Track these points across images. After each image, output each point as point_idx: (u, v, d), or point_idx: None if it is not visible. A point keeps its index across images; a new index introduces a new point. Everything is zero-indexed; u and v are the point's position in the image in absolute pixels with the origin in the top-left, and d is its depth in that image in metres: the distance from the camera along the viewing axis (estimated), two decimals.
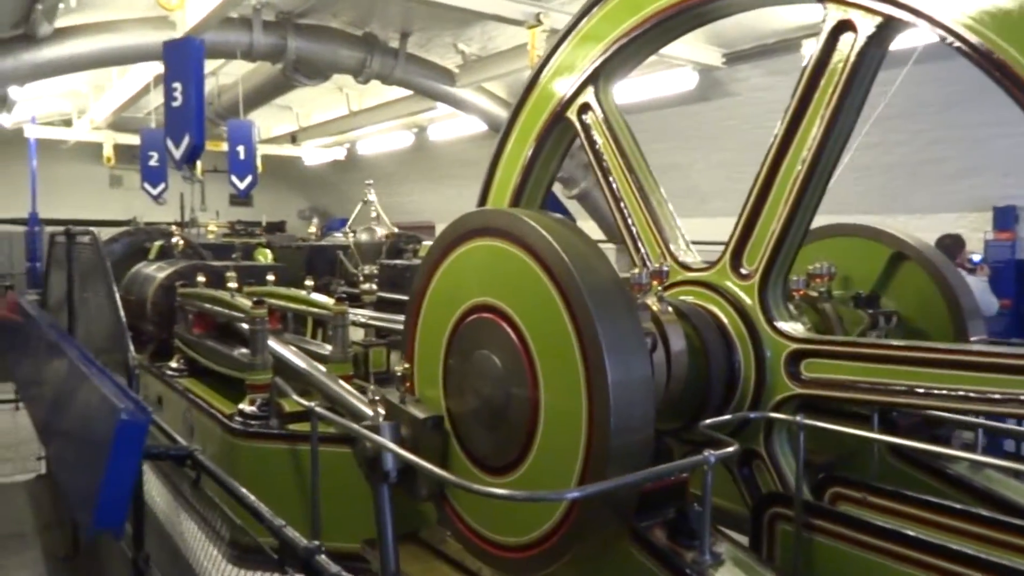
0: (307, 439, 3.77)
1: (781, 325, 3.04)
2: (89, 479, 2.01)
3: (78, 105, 14.77)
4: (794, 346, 2.97)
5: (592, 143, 3.55)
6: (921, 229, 4.25)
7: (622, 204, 3.50)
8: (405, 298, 7.92)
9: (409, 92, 11.60)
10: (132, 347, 2.93)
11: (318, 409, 3.13)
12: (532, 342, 2.52)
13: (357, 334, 6.16)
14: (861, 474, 3.32)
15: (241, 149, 8.05)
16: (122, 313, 3.08)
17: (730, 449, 2.37)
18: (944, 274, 3.99)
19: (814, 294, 3.91)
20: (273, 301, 4.81)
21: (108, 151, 15.39)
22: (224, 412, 4.18)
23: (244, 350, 4.70)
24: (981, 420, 3.59)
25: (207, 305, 5.00)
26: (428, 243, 10.56)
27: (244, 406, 4.00)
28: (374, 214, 8.35)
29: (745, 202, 3.05)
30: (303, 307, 4.79)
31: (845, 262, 4.16)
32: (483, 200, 4.10)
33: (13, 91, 9.81)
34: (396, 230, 7.97)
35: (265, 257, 11.35)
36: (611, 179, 3.51)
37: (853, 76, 2.72)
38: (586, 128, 3.57)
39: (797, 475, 2.89)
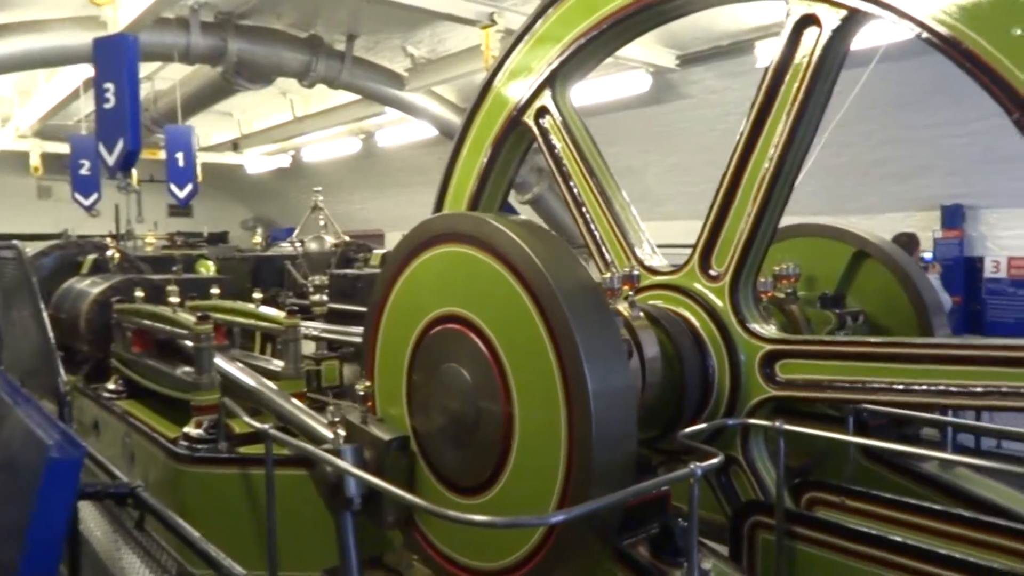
0: (260, 462, 3.56)
1: (754, 326, 3.00)
2: (16, 521, 1.80)
3: (1, 112, 14.03)
4: (768, 347, 2.93)
5: (551, 147, 3.47)
6: (872, 228, 4.30)
7: (584, 209, 3.41)
8: (357, 309, 7.80)
9: (356, 97, 11.36)
10: (63, 370, 2.69)
11: (272, 431, 2.93)
12: (503, 353, 2.40)
13: (308, 347, 5.95)
14: (834, 477, 3.31)
15: (180, 156, 7.68)
16: (51, 333, 2.84)
17: (715, 460, 2.29)
18: (907, 271, 4.03)
19: (781, 295, 3.90)
20: (219, 316, 4.57)
21: (35, 160, 14.66)
22: (168, 436, 3.93)
23: (188, 369, 4.45)
24: (949, 418, 3.63)
25: (147, 322, 4.72)
26: (379, 251, 10.40)
27: (190, 429, 3.76)
28: (323, 222, 8.14)
29: (712, 202, 3.01)
30: (251, 321, 4.56)
31: (809, 262, 4.17)
32: (439, 208, 3.99)
33: None
34: (346, 238, 7.76)
35: (208, 269, 11.01)
36: (571, 183, 3.43)
37: (818, 72, 2.70)
38: (544, 132, 3.49)
39: (778, 483, 2.83)
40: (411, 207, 17.82)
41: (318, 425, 3.32)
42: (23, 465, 1.75)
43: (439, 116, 10.97)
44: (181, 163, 7.61)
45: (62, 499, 1.65)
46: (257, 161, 18.07)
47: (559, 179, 3.45)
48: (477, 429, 2.49)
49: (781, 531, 2.79)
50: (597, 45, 3.38)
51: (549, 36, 3.48)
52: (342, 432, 2.78)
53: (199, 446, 3.67)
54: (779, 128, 2.79)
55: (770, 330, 3.01)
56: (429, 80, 10.22)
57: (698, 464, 2.20)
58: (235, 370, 4.06)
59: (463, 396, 2.53)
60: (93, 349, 5.74)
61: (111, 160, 5.70)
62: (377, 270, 9.08)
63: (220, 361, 4.06)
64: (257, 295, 4.60)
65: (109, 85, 5.76)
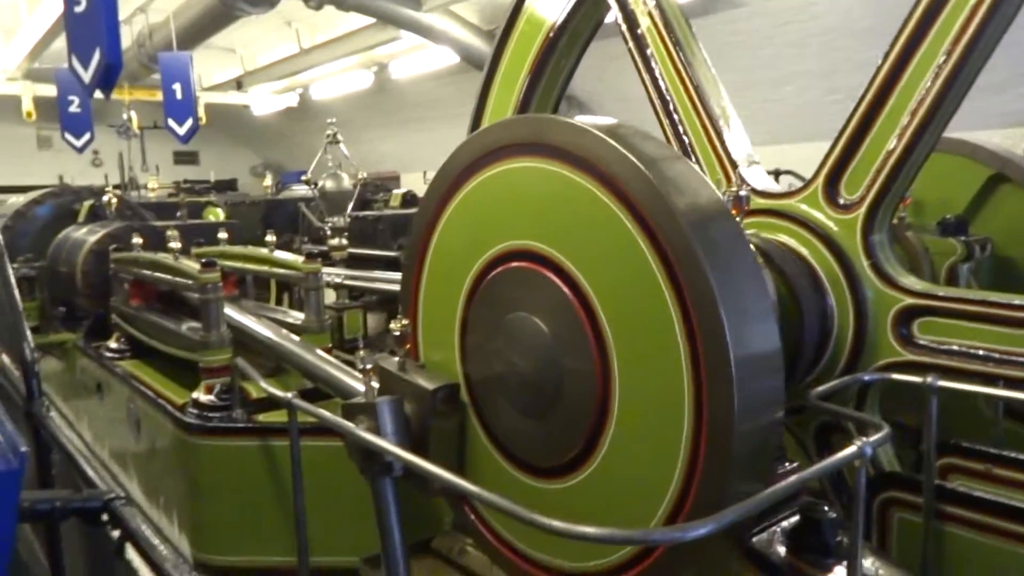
0: (282, 432, 3.11)
1: (890, 273, 2.48)
2: None
3: None
4: (908, 300, 2.43)
5: (632, 27, 2.84)
6: None
7: (672, 108, 2.81)
8: (380, 253, 7.31)
9: (367, 22, 10.59)
10: (30, 334, 2.21)
11: (296, 401, 2.45)
12: (598, 299, 1.86)
13: (327, 296, 5.49)
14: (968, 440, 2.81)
15: (178, 87, 7.02)
16: (16, 294, 2.34)
17: (883, 433, 1.77)
18: None
19: (894, 221, 3.33)
20: (227, 263, 4.07)
21: (28, 105, 14.12)
22: (175, 403, 3.48)
23: (194, 324, 3.98)
24: None
25: (145, 271, 4.24)
26: (399, 191, 9.84)
27: (199, 395, 3.30)
28: (330, 164, 7.54)
29: (852, 112, 2.48)
30: (265, 268, 4.06)
31: (926, 184, 3.57)
32: (477, 118, 3.42)
33: None
34: (364, 175, 7.18)
35: (216, 217, 10.65)
36: (657, 75, 2.81)
37: None
38: (624, 5, 2.87)
39: (927, 452, 2.33)
40: (428, 146, 17.14)
41: (348, 378, 2.85)
42: None
43: (460, 40, 10.15)
44: (179, 95, 6.97)
45: None
46: (263, 101, 17.38)
47: (641, 68, 2.84)
48: (558, 396, 1.99)
49: (930, 510, 2.32)
50: None
51: None
52: (375, 384, 2.31)
53: (211, 414, 3.22)
54: (960, 19, 2.21)
55: (911, 280, 2.48)
56: None
57: (866, 440, 1.69)
58: (249, 321, 3.58)
59: (539, 354, 2.02)
60: (92, 304, 5.31)
61: (87, 76, 5.01)
62: (399, 211, 8.56)
63: (231, 312, 3.58)
64: (270, 238, 4.08)
65: None
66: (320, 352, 3.26)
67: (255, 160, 24.06)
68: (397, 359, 2.37)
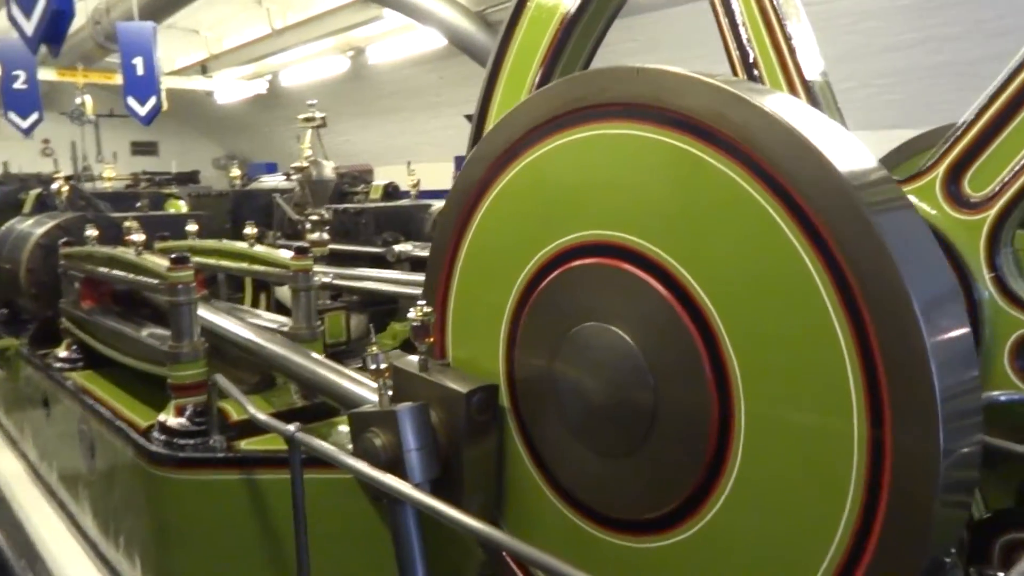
0: (271, 463, 2.63)
1: (1016, 290, 2.11)
2: None
3: None
4: None
5: None
6: None
7: (747, 43, 2.33)
8: (365, 250, 6.82)
9: (345, 0, 10.04)
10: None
11: (301, 435, 1.98)
12: (716, 308, 1.43)
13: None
14: None
15: (139, 62, 6.37)
16: None
17: None
18: None
19: None
20: (200, 258, 3.55)
21: None
22: (138, 426, 2.96)
23: (157, 330, 3.47)
24: None
25: (100, 268, 3.71)
26: (379, 183, 9.33)
27: (167, 417, 2.79)
28: (309, 152, 6.98)
29: (991, 97, 2.11)
30: (244, 265, 3.55)
31: None
32: (481, 115, 2.88)
33: None
34: (338, 166, 6.66)
35: (178, 209, 10.14)
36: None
37: None
38: None
39: None
40: (404, 136, 16.60)
41: (358, 387, 2.39)
42: None
43: (447, 21, 9.60)
44: (140, 70, 6.33)
45: None
46: (229, 88, 16.65)
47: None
48: (650, 431, 1.56)
49: None
50: None
51: None
52: (389, 390, 1.88)
53: (183, 441, 2.72)
54: None
55: None
56: None
57: None
58: (228, 323, 3.08)
59: (622, 377, 1.59)
60: (39, 305, 4.76)
61: (30, 26, 4.34)
62: (383, 204, 8.03)
63: (205, 313, 3.07)
64: (250, 230, 3.58)
65: None
66: (317, 356, 2.79)
67: (218, 152, 23.31)
68: (416, 358, 1.93)
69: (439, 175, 14.65)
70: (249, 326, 3.09)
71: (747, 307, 1.39)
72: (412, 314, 1.87)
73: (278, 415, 2.67)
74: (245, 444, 2.74)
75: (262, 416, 2.24)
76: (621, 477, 1.65)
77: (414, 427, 1.83)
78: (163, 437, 2.79)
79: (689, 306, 1.47)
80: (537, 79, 2.74)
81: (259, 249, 3.42)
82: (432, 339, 1.96)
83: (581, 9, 2.56)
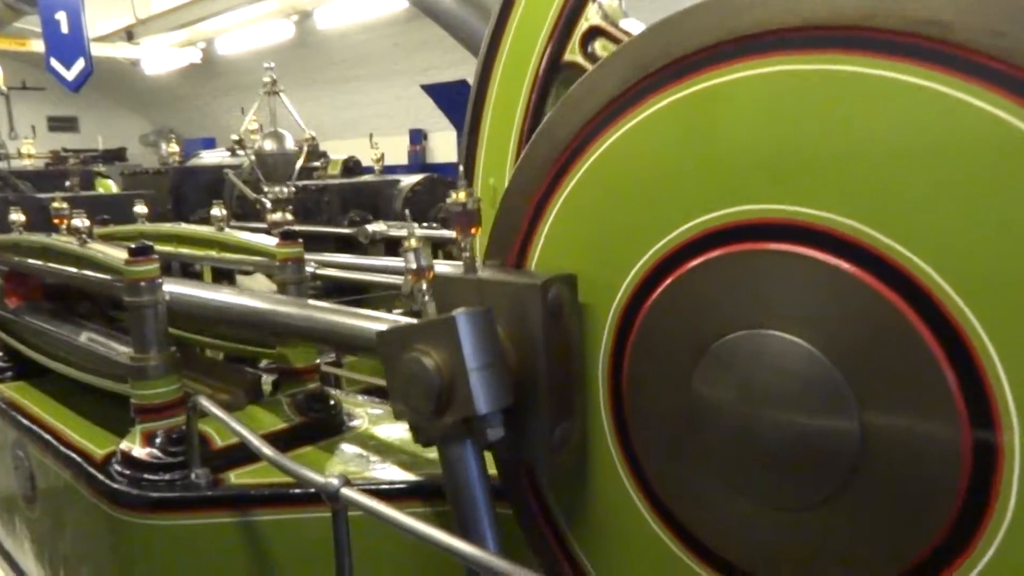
0: (270, 502, 2.17)
1: None
2: None
3: None
4: None
5: None
6: None
7: None
8: (330, 231, 6.29)
9: None
10: None
11: (348, 492, 1.52)
12: (978, 320, 1.05)
13: (256, 283, 4.51)
14: None
15: (62, 17, 5.60)
16: None
17: None
18: None
19: None
20: (160, 247, 3.01)
21: None
22: (93, 456, 2.45)
23: (96, 335, 2.94)
24: None
25: (32, 262, 3.15)
26: (338, 158, 8.75)
27: (132, 446, 2.29)
28: (258, 126, 6.38)
29: None
30: (213, 253, 3.03)
31: None
32: (473, 125, 2.37)
33: None
34: (312, 134, 6.11)
35: (108, 190, 9.45)
36: None
37: None
38: None
39: None
40: (355, 109, 15.89)
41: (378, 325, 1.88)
42: None
43: None
44: (64, 27, 5.57)
45: None
46: (159, 56, 15.62)
47: None
48: (852, 479, 1.18)
49: None
50: None
51: None
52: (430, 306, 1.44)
53: (154, 477, 2.23)
54: None
55: None
56: None
57: None
58: (202, 292, 2.50)
59: (812, 404, 1.20)
60: None
61: None
62: (347, 180, 7.48)
63: (172, 287, 2.46)
64: (218, 211, 3.06)
65: None
66: (317, 303, 2.23)
67: (146, 127, 22.12)
68: (463, 261, 1.49)
69: (394, 149, 14.00)
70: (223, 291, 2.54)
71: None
72: (456, 195, 1.42)
73: (269, 438, 2.20)
74: (235, 476, 2.27)
75: (291, 464, 1.75)
76: (798, 538, 1.26)
77: (478, 337, 1.38)
78: (127, 471, 2.29)
79: (923, 306, 1.08)
80: (545, 56, 2.28)
81: (238, 235, 2.91)
82: (478, 228, 1.51)
83: None
